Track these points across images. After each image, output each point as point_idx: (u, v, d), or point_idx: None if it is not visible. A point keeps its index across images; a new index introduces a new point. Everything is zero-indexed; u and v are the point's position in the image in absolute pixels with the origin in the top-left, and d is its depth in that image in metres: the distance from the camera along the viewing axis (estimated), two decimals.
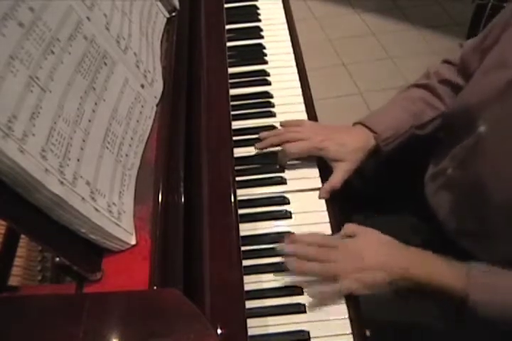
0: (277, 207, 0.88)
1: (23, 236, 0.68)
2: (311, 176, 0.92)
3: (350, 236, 0.82)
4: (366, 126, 0.95)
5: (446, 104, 0.98)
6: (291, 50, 1.13)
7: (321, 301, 0.77)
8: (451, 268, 0.78)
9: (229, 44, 1.04)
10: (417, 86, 1.02)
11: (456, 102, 0.93)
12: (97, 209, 0.58)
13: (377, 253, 0.79)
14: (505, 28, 0.84)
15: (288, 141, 0.93)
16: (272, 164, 0.94)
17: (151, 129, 0.75)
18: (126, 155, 0.68)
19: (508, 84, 0.79)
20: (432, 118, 0.98)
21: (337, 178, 0.90)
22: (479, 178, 0.83)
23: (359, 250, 0.79)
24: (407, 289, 0.78)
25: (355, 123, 0.98)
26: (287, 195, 0.90)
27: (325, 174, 0.92)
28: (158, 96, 0.80)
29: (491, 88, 0.82)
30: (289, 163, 0.93)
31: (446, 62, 1.02)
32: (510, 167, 0.78)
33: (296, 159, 0.94)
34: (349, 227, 0.83)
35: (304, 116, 1.01)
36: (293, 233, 0.85)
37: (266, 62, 1.11)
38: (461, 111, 0.89)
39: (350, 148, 0.92)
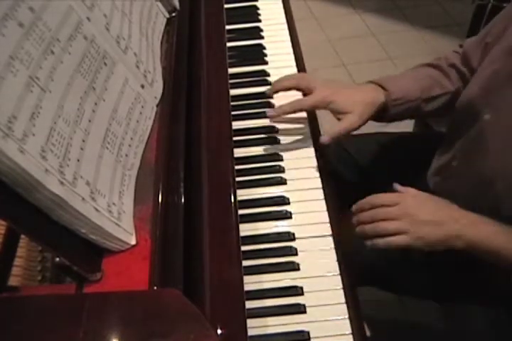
0: (277, 207, 0.88)
1: (23, 236, 0.68)
2: (311, 176, 0.92)
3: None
4: (379, 85, 0.96)
5: (454, 84, 0.99)
6: (291, 50, 1.13)
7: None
8: (506, 230, 0.78)
9: (229, 44, 1.04)
10: (427, 65, 1.03)
11: (461, 96, 0.93)
12: (97, 210, 0.58)
13: (435, 210, 0.80)
14: (508, 22, 0.84)
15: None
16: (272, 164, 0.94)
17: (151, 129, 0.75)
18: (126, 155, 0.68)
19: None
20: (438, 94, 0.99)
21: (343, 126, 0.91)
22: (483, 168, 0.83)
23: (416, 206, 0.80)
24: (458, 249, 0.78)
25: (368, 82, 0.98)
26: (287, 195, 0.89)
27: (325, 174, 0.92)
28: (159, 96, 0.80)
29: (496, 76, 0.83)
30: (289, 163, 0.93)
31: (455, 51, 1.03)
32: None
33: (297, 159, 0.94)
34: (401, 188, 0.83)
35: (303, 115, 1.01)
36: (293, 233, 0.85)
37: (266, 63, 1.11)
38: (467, 103, 0.90)
39: (358, 101, 0.92)
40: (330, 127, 0.92)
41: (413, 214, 0.78)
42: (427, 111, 1.01)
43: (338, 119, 0.93)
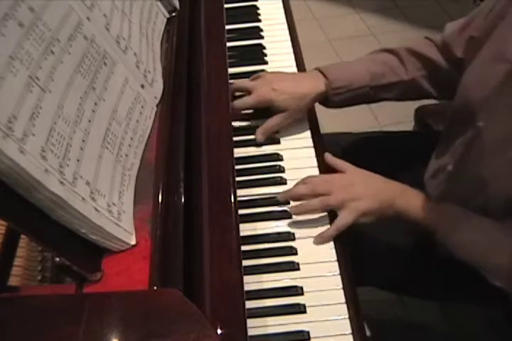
0: (277, 207, 0.88)
1: (23, 236, 0.68)
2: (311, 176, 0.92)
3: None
4: (321, 72, 0.97)
5: (408, 72, 0.99)
6: (291, 50, 1.13)
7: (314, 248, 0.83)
8: (429, 203, 0.84)
9: (229, 44, 1.04)
10: (385, 50, 1.04)
11: (455, 97, 0.93)
12: (97, 210, 0.58)
13: (367, 184, 0.86)
14: (496, 21, 0.84)
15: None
16: (272, 164, 0.94)
17: (151, 129, 0.75)
18: (126, 155, 0.68)
19: (506, 76, 0.79)
20: (390, 82, 0.99)
21: (271, 122, 0.94)
22: (478, 172, 0.83)
23: (350, 182, 0.86)
24: (391, 218, 0.85)
25: (314, 69, 1.00)
26: None
27: (325, 173, 0.92)
28: (159, 96, 0.80)
29: (489, 82, 0.82)
30: (288, 163, 0.93)
31: (428, 38, 1.03)
32: (507, 159, 0.78)
33: (297, 159, 0.94)
34: (337, 163, 0.89)
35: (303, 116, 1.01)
36: (293, 233, 0.85)
37: (266, 63, 1.11)
38: (461, 106, 0.90)
39: (295, 96, 0.94)
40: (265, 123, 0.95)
41: (347, 187, 0.84)
42: (380, 98, 1.02)
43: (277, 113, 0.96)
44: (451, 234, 0.82)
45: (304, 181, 0.87)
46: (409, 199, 0.85)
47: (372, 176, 0.88)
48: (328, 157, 0.90)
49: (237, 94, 1.00)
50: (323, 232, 0.83)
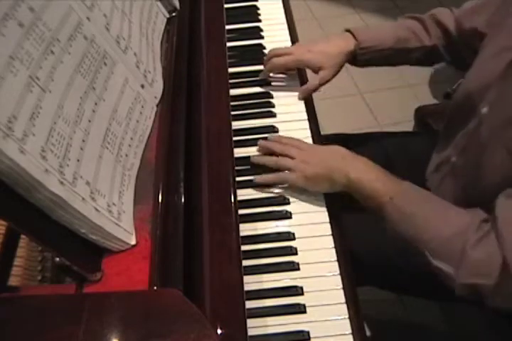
0: (277, 207, 0.88)
1: (23, 236, 0.68)
2: None
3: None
4: (351, 33, 1.06)
5: (431, 39, 1.06)
6: None
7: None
8: (388, 177, 0.84)
9: (229, 44, 1.04)
10: (411, 17, 1.12)
11: (459, 91, 0.95)
12: (97, 210, 0.58)
13: (328, 156, 0.88)
14: (507, 15, 0.86)
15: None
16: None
17: (151, 129, 0.75)
18: (126, 155, 0.68)
19: (508, 64, 0.80)
20: (413, 47, 1.07)
21: (315, 81, 1.02)
22: (479, 162, 0.83)
23: (315, 152, 0.90)
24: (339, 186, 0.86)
25: (345, 30, 1.08)
26: (287, 195, 0.89)
27: None
28: (159, 96, 0.80)
29: (493, 71, 0.84)
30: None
31: (450, 9, 1.08)
32: (504, 142, 0.79)
33: None
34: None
35: (304, 116, 1.01)
36: (293, 233, 0.85)
37: None
38: (464, 97, 0.92)
39: (329, 54, 1.03)
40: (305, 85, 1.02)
41: (305, 158, 0.88)
42: (402, 61, 1.11)
43: (316, 73, 1.03)
44: (404, 203, 0.80)
45: (284, 141, 0.92)
46: (368, 172, 0.85)
47: (339, 152, 0.90)
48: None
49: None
50: (263, 176, 0.89)
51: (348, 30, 1.07)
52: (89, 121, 0.63)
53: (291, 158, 0.89)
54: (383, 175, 0.84)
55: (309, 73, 1.07)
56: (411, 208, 0.80)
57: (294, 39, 1.15)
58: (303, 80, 1.07)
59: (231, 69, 0.97)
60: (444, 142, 0.98)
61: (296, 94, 1.04)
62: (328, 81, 1.04)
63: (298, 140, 0.93)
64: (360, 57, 1.05)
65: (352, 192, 0.85)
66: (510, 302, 0.73)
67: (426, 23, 1.07)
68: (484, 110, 0.84)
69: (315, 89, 1.03)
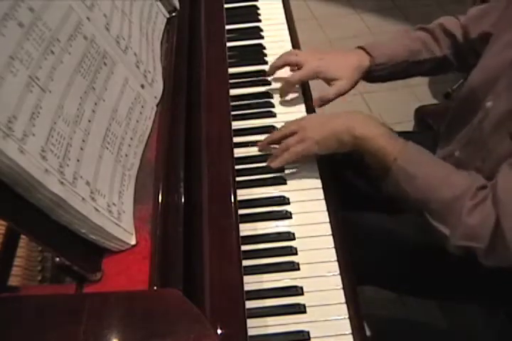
0: (277, 207, 0.88)
1: (23, 236, 0.68)
2: (311, 176, 0.92)
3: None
4: (364, 49, 1.04)
5: (442, 49, 1.07)
6: None
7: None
8: (391, 135, 0.86)
9: (229, 44, 1.04)
10: (420, 28, 1.10)
11: (464, 87, 0.96)
12: (97, 209, 0.58)
13: (325, 120, 0.90)
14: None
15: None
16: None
17: (151, 129, 0.75)
18: (126, 155, 0.68)
19: None
20: (425, 59, 1.06)
21: (332, 91, 0.99)
22: (485, 154, 0.83)
23: (311, 120, 0.92)
24: (346, 145, 0.88)
25: (356, 48, 1.06)
26: (287, 195, 0.89)
27: (325, 174, 0.92)
28: (159, 96, 0.80)
29: (499, 66, 0.85)
30: (289, 163, 0.93)
31: (455, 17, 1.09)
32: (506, 133, 0.80)
33: (296, 160, 0.94)
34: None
35: (304, 116, 1.01)
36: (293, 233, 0.85)
37: (266, 63, 1.11)
38: (469, 93, 0.93)
39: (346, 67, 1.01)
40: (321, 92, 1.00)
41: (305, 125, 0.89)
42: (413, 73, 1.10)
43: (329, 85, 1.01)
44: (407, 164, 0.82)
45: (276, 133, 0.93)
46: (371, 128, 0.86)
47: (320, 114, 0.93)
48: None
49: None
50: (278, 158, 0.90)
51: (360, 47, 1.05)
52: (89, 121, 0.62)
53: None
54: (387, 133, 0.86)
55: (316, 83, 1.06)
56: (414, 169, 0.82)
57: (294, 39, 1.15)
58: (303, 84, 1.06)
59: (231, 69, 0.97)
60: (446, 138, 0.99)
61: (296, 94, 1.04)
62: (345, 93, 1.01)
63: (289, 122, 0.94)
64: (375, 74, 1.04)
65: (360, 149, 0.87)
66: (503, 261, 0.77)
67: (435, 34, 1.07)
68: (489, 104, 0.85)
69: (333, 99, 1.00)
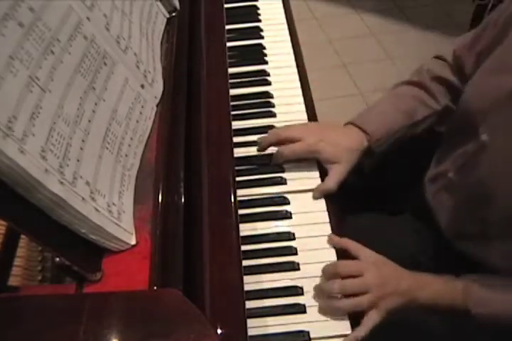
0: (277, 207, 0.88)
1: (23, 236, 0.68)
2: (311, 176, 0.92)
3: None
4: (357, 126, 0.94)
5: (439, 102, 0.98)
6: (291, 50, 1.13)
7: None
8: (448, 286, 0.81)
9: (229, 44, 1.04)
10: (409, 83, 1.01)
11: (458, 106, 0.92)
12: (97, 209, 0.58)
13: (395, 277, 0.80)
14: (507, 28, 0.83)
15: (283, 143, 0.92)
16: (271, 164, 0.94)
17: (151, 129, 0.75)
18: (126, 155, 0.68)
19: (509, 94, 0.78)
20: (424, 117, 0.97)
21: (332, 180, 0.89)
22: (481, 184, 0.82)
23: (382, 281, 0.79)
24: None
25: (346, 124, 0.97)
26: (287, 195, 0.89)
27: (325, 174, 0.92)
28: (159, 96, 0.80)
29: (493, 93, 0.81)
30: (289, 163, 0.93)
31: (439, 58, 1.00)
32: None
33: (296, 158, 0.94)
34: (349, 246, 0.82)
35: (304, 116, 1.01)
36: (293, 233, 0.85)
37: (266, 63, 1.11)
38: (463, 114, 0.89)
39: (344, 148, 0.91)
40: (321, 183, 0.90)
41: (379, 287, 0.78)
42: (416, 134, 0.99)
43: (324, 164, 0.91)
44: (483, 308, 0.80)
45: (335, 272, 0.79)
46: (430, 289, 0.81)
47: (384, 264, 0.82)
48: (335, 239, 0.83)
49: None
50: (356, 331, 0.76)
51: (350, 123, 0.95)
52: (89, 121, 0.62)
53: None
54: (440, 285, 0.82)
55: None
56: (493, 309, 0.80)
57: (294, 39, 1.15)
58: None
59: (231, 70, 0.97)
60: (443, 154, 0.95)
61: (296, 94, 1.04)
62: (344, 178, 0.90)
63: (342, 265, 0.80)
64: (377, 150, 0.94)
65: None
66: None
67: (426, 86, 0.98)
68: (484, 137, 0.82)
69: (333, 189, 0.89)
